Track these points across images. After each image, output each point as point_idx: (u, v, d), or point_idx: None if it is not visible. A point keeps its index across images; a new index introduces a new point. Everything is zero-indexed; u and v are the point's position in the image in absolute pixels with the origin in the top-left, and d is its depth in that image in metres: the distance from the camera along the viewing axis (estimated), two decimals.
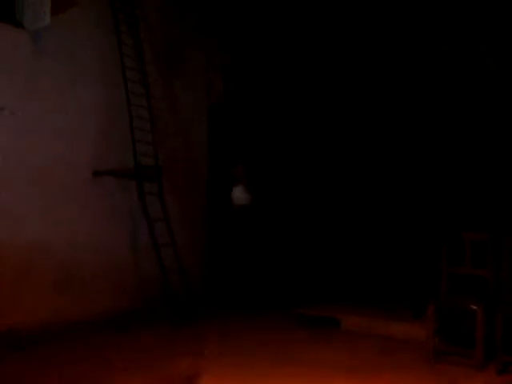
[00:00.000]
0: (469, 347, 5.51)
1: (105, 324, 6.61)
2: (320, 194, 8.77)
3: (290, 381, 5.02)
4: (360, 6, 8.26)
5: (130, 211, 7.41)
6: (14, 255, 6.10)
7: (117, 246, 7.28)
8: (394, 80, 8.28)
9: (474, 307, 5.45)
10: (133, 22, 7.54)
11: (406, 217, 7.86)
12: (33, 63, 6.44)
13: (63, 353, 5.65)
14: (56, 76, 6.67)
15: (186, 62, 8.45)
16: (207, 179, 8.63)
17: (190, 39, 8.49)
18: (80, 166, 6.91)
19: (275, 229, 8.50)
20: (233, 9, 8.68)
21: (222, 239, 8.31)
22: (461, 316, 5.72)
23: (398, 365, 5.53)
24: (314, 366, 5.38)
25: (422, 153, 8.01)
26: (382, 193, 8.27)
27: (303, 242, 8.64)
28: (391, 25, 8.17)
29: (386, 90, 8.38)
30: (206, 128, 8.81)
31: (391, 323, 6.69)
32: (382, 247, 8.05)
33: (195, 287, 7.69)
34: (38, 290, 6.33)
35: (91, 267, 6.94)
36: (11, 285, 6.08)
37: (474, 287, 5.82)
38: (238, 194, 8.02)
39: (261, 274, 7.99)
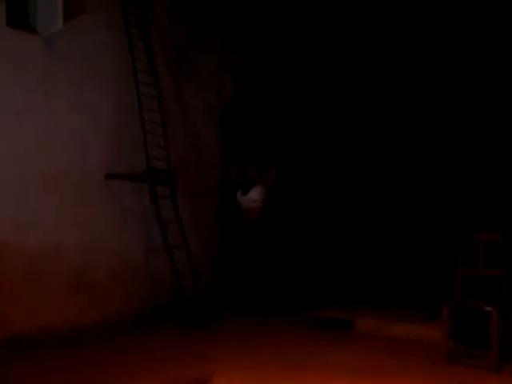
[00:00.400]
0: (483, 349, 5.46)
1: (116, 327, 6.63)
2: (335, 194, 8.73)
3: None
4: (374, 5, 8.23)
5: (142, 214, 7.43)
6: (26, 258, 6.13)
7: (129, 249, 7.30)
8: (406, 80, 8.27)
9: (489, 308, 5.40)
10: (144, 26, 7.57)
11: (419, 218, 7.82)
12: (46, 68, 6.49)
13: (71, 357, 5.63)
14: (69, 80, 6.71)
15: (197, 64, 8.48)
16: (220, 182, 8.63)
17: (201, 42, 8.51)
18: (93, 169, 6.94)
19: (288, 231, 8.50)
20: (242, 11, 8.70)
21: (234, 241, 8.34)
22: (475, 317, 5.66)
23: (411, 367, 5.50)
24: (327, 368, 5.36)
25: (437, 155, 7.98)
26: (397, 194, 8.23)
27: (317, 244, 8.63)
28: (403, 24, 8.16)
29: (398, 91, 8.37)
30: (218, 130, 8.83)
31: (405, 325, 6.66)
32: (396, 249, 8.00)
33: (208, 290, 7.71)
34: (49, 293, 6.35)
35: (104, 270, 6.97)
36: (23, 288, 6.11)
37: (488, 288, 5.77)
38: (250, 196, 8.02)
39: (274, 277, 8.01)
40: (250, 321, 7.24)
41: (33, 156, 6.33)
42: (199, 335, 6.57)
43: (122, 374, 5.10)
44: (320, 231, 8.73)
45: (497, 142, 7.51)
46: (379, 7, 8.23)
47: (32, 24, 6.53)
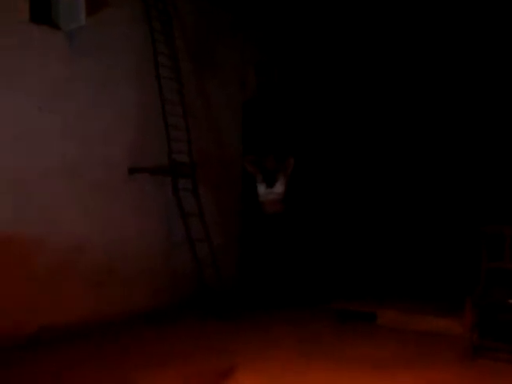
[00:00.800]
0: (508, 342, 5.41)
1: (141, 320, 6.69)
2: (355, 187, 8.70)
3: (326, 376, 5.00)
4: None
5: (165, 207, 7.47)
6: (51, 253, 6.18)
7: (153, 242, 7.34)
8: (424, 75, 8.29)
9: None
10: (166, 20, 7.57)
11: (444, 210, 7.75)
12: (69, 63, 6.51)
13: (95, 349, 5.71)
14: (91, 75, 6.73)
15: (219, 58, 8.47)
16: (241, 175, 8.64)
17: (223, 35, 8.50)
18: (116, 163, 6.97)
19: (308, 224, 8.50)
20: (264, 4, 8.66)
21: (255, 234, 8.34)
22: (499, 310, 5.60)
23: (434, 360, 5.48)
24: (350, 361, 5.36)
25: (459, 150, 7.89)
26: (420, 186, 8.17)
27: (337, 237, 8.61)
28: (415, 25, 8.15)
29: (413, 88, 8.35)
30: (240, 124, 8.82)
31: (429, 318, 6.62)
32: (419, 241, 7.95)
33: (229, 283, 7.71)
34: (74, 288, 6.40)
35: (128, 264, 7.00)
36: (48, 283, 6.16)
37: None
38: (277, 189, 7.97)
39: (295, 269, 8.00)
40: (269, 313, 7.25)
41: (57, 152, 6.36)
42: (222, 327, 6.60)
43: (146, 366, 5.15)
44: (340, 224, 8.69)
45: None
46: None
47: (55, 19, 6.56)
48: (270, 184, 7.96)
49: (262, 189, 7.93)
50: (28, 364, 5.17)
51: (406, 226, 8.23)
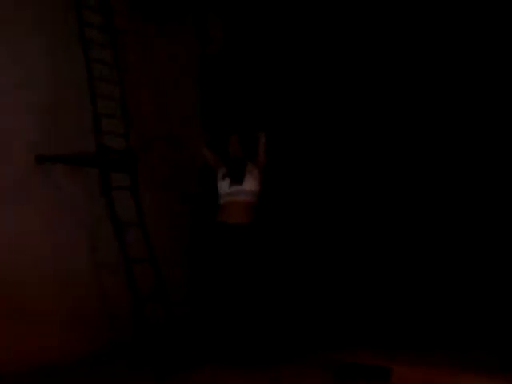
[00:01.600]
0: None
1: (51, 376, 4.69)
2: (358, 187, 6.83)
3: None
4: None
5: (89, 213, 5.47)
6: None
7: (71, 262, 5.32)
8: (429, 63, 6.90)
9: None
10: None
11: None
12: None
13: None
14: None
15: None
16: (201, 165, 6.44)
17: None
18: (18, 149, 5.02)
19: (291, 239, 6.61)
20: None
21: (215, 254, 6.07)
22: None
23: None
24: None
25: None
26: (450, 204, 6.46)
27: (333, 258, 6.68)
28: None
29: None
30: (198, 91, 6.79)
31: (464, 377, 4.83)
32: (449, 271, 6.22)
33: (181, 321, 5.75)
34: None
35: (33, 292, 5.02)
36: None
37: None
38: (246, 187, 5.66)
39: (272, 305, 5.92)
40: (234, 369, 5.12)
41: None
42: None
43: None
44: (335, 239, 6.75)
45: None
46: None
47: None
48: (235, 178, 5.62)
49: (224, 187, 5.59)
50: None
51: (427, 240, 6.43)
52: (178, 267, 6.19)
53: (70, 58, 5.35)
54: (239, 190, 5.42)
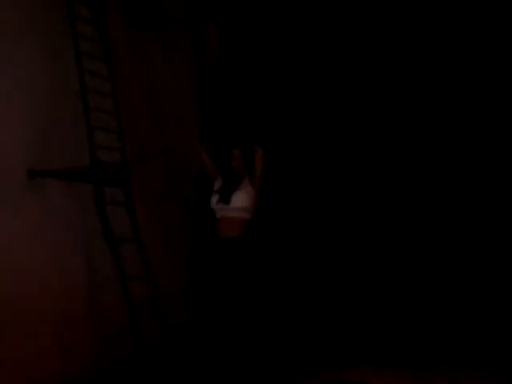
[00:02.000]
0: None
1: None
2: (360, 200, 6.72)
3: None
4: None
5: (84, 229, 5.29)
6: None
7: (65, 281, 5.12)
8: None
9: None
10: None
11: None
12: None
13: None
14: None
15: (165, 9, 6.30)
16: (197, 177, 6.31)
17: None
18: (11, 164, 4.82)
19: (286, 254, 6.49)
20: None
21: (214, 268, 5.93)
22: None
23: None
24: None
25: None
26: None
27: (332, 274, 6.59)
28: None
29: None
30: (196, 103, 6.66)
31: None
32: (460, 280, 6.09)
33: (179, 339, 5.60)
34: None
35: (26, 311, 4.77)
36: None
37: None
38: (235, 204, 5.49)
39: (273, 320, 5.81)
40: None
41: None
42: None
43: None
44: (337, 252, 6.63)
45: None
46: None
47: None
48: (224, 198, 5.43)
49: (213, 202, 5.40)
50: None
51: (434, 246, 6.34)
52: (174, 282, 6.05)
53: (64, 70, 5.20)
54: (226, 208, 5.27)
